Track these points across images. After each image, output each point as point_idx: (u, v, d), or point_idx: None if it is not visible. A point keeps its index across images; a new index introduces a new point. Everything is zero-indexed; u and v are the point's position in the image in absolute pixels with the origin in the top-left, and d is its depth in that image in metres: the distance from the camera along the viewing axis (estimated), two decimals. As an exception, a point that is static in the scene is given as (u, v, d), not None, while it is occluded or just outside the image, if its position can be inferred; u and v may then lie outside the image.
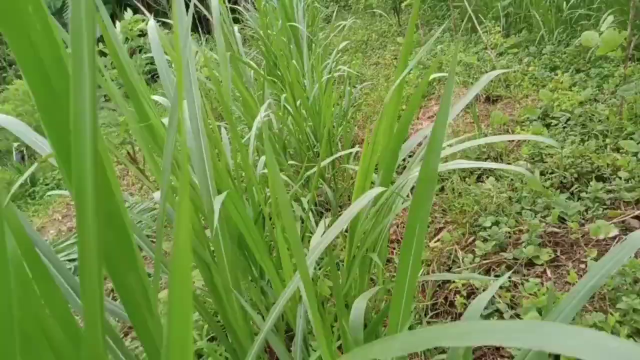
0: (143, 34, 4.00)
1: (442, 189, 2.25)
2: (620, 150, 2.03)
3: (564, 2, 3.57)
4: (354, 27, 7.94)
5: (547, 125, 2.51)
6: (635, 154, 1.94)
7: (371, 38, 6.67)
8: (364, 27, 7.49)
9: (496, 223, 1.82)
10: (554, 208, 1.79)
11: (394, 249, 1.98)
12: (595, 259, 1.53)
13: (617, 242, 1.61)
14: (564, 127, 2.39)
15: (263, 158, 1.58)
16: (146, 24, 2.39)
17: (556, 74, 3.01)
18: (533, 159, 2.25)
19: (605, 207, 1.78)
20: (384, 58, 5.46)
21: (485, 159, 2.41)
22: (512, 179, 2.10)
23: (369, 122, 3.51)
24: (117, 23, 3.89)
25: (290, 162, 2.20)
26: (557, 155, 2.17)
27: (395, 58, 5.19)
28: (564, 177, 1.99)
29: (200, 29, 5.32)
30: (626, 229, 1.66)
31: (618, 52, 2.06)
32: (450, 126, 2.94)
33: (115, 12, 8.29)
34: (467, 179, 2.23)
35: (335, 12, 7.29)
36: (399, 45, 5.26)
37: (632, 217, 1.68)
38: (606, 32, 2.01)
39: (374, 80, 4.69)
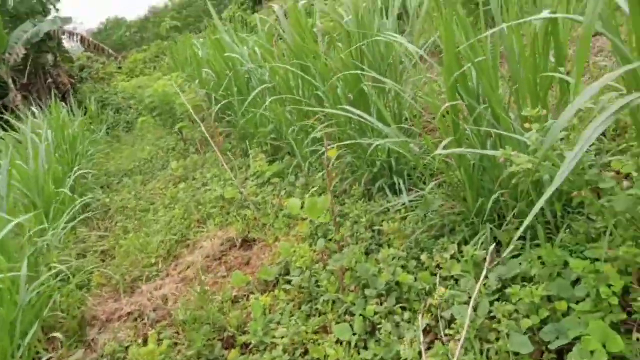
0: None
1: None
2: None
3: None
4: (142, 143, 7.42)
5: (284, 290, 2.22)
6: (349, 343, 1.70)
7: (157, 155, 6.20)
8: (152, 142, 7.02)
9: None
10: None
11: None
12: None
13: None
14: (292, 300, 2.11)
15: None
16: None
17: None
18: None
19: None
20: (158, 182, 4.99)
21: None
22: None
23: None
24: None
25: None
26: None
27: (174, 181, 4.76)
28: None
29: None
30: None
31: (327, 216, 1.89)
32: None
33: None
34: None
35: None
36: (179, 164, 4.86)
37: None
38: (307, 199, 1.83)
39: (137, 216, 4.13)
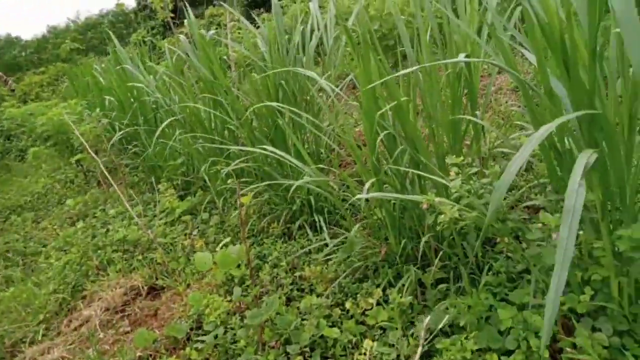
0: None
1: None
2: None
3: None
4: (36, 175, 6.67)
5: (196, 350, 1.98)
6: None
7: (53, 189, 5.57)
8: (48, 173, 6.32)
9: None
10: None
11: None
12: None
13: None
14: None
15: None
16: None
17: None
18: None
19: None
20: (52, 220, 4.45)
21: None
22: None
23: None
24: None
25: None
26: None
27: (71, 219, 4.25)
28: None
29: None
30: None
31: (242, 269, 1.71)
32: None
33: None
34: None
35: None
36: (77, 200, 4.35)
37: None
38: (220, 252, 1.64)
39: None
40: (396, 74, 1.55)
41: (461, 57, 1.66)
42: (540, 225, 1.37)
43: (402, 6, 3.99)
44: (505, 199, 2.12)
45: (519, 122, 2.91)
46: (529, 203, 2.10)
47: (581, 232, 1.37)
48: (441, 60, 2.05)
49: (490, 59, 1.53)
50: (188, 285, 2.56)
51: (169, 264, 2.78)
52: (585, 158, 0.98)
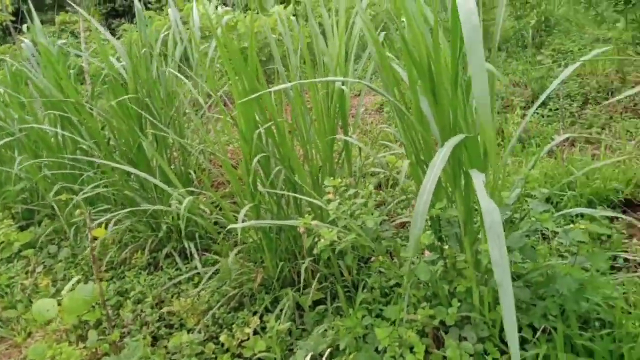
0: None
1: None
2: None
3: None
4: None
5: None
6: None
7: None
8: None
9: None
10: None
11: None
12: None
13: None
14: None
15: None
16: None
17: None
18: None
19: None
20: None
21: None
22: None
23: None
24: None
25: None
26: None
27: None
28: None
29: None
30: None
31: (96, 312, 1.47)
32: None
33: None
34: None
35: None
36: None
37: None
38: (67, 295, 1.39)
39: None
40: (264, 92, 1.50)
41: (333, 77, 1.68)
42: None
43: (273, 25, 4.02)
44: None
45: (383, 142, 3.08)
46: (399, 220, 2.20)
47: (447, 247, 1.46)
48: (311, 79, 2.07)
49: (362, 81, 1.56)
50: (29, 334, 2.16)
51: (3, 311, 2.32)
52: (479, 178, 1.00)
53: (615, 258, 1.80)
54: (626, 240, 1.91)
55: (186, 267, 2.29)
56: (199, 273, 2.17)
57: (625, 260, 1.77)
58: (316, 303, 1.84)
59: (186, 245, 2.38)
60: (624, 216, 1.63)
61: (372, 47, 1.48)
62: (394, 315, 1.46)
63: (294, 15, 4.58)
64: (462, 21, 0.93)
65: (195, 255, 2.29)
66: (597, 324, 1.34)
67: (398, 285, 1.72)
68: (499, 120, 3.26)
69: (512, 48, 5.06)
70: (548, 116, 3.37)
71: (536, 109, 3.49)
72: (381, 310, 1.63)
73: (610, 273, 1.65)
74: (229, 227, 1.70)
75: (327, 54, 2.12)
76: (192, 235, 2.45)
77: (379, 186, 2.73)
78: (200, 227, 2.46)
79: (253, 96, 1.58)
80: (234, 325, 1.81)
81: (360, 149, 2.26)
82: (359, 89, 4.34)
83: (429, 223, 1.55)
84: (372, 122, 4.10)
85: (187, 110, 2.75)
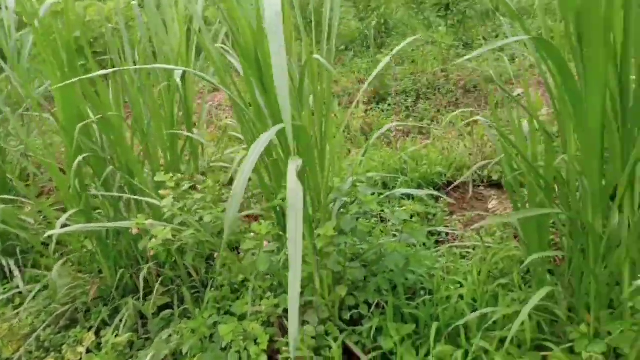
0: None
1: None
2: None
3: None
4: None
5: None
6: None
7: None
8: None
9: None
10: None
11: None
12: None
13: None
14: None
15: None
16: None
17: None
18: None
19: None
20: None
21: None
22: None
23: None
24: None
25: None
26: None
27: None
28: None
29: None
30: None
31: None
32: None
33: None
34: None
35: None
36: None
37: None
38: None
39: None
40: (88, 75, 1.34)
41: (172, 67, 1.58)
42: (252, 234, 1.40)
43: (108, 14, 3.68)
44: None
45: (238, 135, 3.03)
46: (247, 212, 2.17)
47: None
48: (150, 72, 1.94)
49: (199, 73, 1.50)
50: None
51: None
52: (294, 164, 1.01)
53: (440, 233, 2.02)
54: (447, 217, 2.16)
55: (5, 288, 1.97)
56: (21, 292, 1.89)
57: (447, 234, 2.00)
58: (162, 308, 1.73)
59: (4, 263, 2.05)
60: (445, 196, 1.84)
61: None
62: (240, 310, 1.44)
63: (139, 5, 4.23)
64: (265, 7, 0.93)
65: (17, 273, 1.99)
66: (422, 292, 1.49)
67: (248, 280, 1.70)
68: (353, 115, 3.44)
69: (357, 48, 5.42)
70: (387, 110, 3.67)
71: (377, 104, 3.78)
72: (230, 306, 1.59)
73: (435, 247, 1.85)
74: (46, 235, 1.49)
75: (167, 43, 2.00)
76: (12, 250, 2.12)
77: (231, 181, 2.67)
78: (22, 241, 2.14)
79: (72, 81, 1.40)
80: (64, 346, 1.60)
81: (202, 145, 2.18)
82: (209, 86, 4.23)
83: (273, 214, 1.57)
84: (226, 117, 4.03)
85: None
